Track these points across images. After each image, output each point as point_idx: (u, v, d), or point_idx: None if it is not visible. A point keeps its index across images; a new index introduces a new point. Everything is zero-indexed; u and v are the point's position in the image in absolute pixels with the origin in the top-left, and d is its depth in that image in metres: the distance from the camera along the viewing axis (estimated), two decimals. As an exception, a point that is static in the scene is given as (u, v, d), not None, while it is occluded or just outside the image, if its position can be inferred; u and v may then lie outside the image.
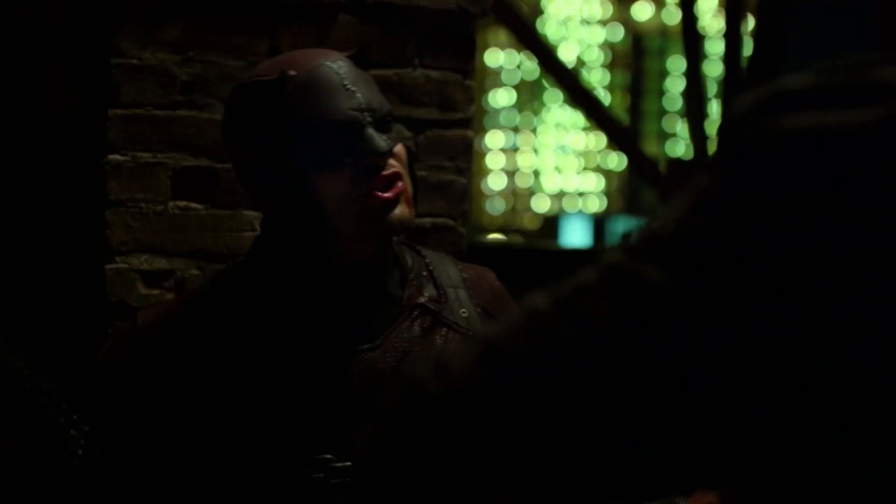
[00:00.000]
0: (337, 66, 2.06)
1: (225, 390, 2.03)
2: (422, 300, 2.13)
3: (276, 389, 2.03)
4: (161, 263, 3.21)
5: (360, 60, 2.10)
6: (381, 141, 2.04)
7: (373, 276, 2.10)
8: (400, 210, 2.05)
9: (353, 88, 2.05)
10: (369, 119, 2.04)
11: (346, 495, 2.02)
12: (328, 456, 2.02)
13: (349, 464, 2.02)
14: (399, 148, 2.08)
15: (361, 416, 2.03)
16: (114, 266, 3.17)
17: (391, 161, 2.05)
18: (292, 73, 2.03)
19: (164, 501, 2.06)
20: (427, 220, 3.47)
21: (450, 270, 2.21)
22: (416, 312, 2.12)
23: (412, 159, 2.12)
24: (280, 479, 2.01)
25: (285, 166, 2.04)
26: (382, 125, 2.06)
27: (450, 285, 2.18)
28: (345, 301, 2.08)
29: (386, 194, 2.03)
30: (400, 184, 2.05)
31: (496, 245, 13.19)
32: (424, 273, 2.18)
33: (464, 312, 2.16)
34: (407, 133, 2.13)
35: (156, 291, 3.17)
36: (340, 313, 2.08)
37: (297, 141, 2.03)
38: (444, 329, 2.13)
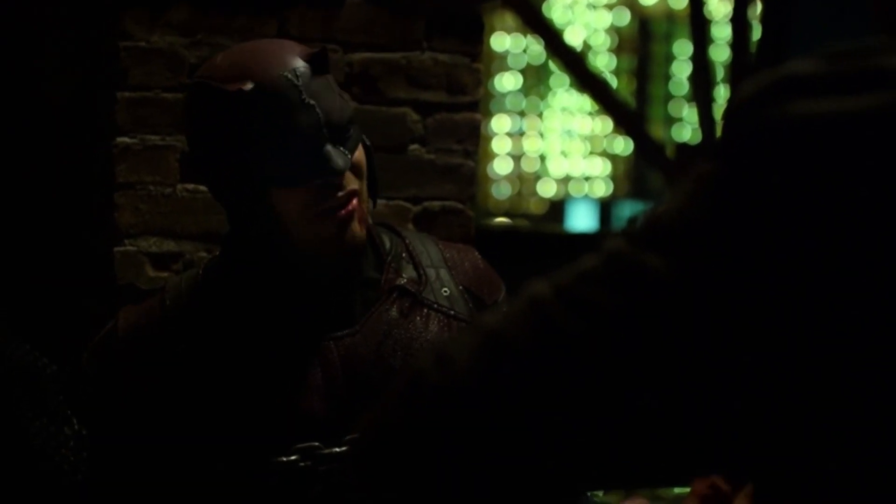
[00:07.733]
0: (295, 75, 2.00)
1: (207, 387, 2.03)
2: (400, 282, 2.12)
3: (257, 382, 2.03)
4: (170, 246, 3.21)
5: (321, 62, 2.04)
6: (338, 159, 2.01)
7: (346, 262, 2.09)
8: (352, 229, 2.04)
9: (312, 102, 2.00)
10: (327, 135, 2.01)
11: (334, 482, 2.02)
12: (315, 443, 2.03)
13: (336, 450, 2.02)
14: (358, 155, 2.05)
15: (344, 401, 2.03)
16: (122, 249, 3.18)
17: (349, 175, 2.03)
18: (249, 86, 1.98)
19: (154, 500, 2.06)
20: (436, 204, 3.47)
21: (430, 250, 2.20)
22: (394, 295, 2.11)
23: (371, 158, 2.10)
24: (268, 468, 2.02)
25: (242, 177, 2.02)
26: (341, 136, 2.03)
27: (430, 265, 2.17)
28: (320, 290, 2.08)
29: (340, 213, 2.02)
30: (353, 202, 2.03)
31: (502, 229, 13.18)
32: (404, 254, 2.17)
33: (445, 291, 2.15)
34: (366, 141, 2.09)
35: (164, 274, 3.17)
36: (317, 302, 2.07)
37: (254, 156, 2.00)
38: (425, 309, 2.12)
